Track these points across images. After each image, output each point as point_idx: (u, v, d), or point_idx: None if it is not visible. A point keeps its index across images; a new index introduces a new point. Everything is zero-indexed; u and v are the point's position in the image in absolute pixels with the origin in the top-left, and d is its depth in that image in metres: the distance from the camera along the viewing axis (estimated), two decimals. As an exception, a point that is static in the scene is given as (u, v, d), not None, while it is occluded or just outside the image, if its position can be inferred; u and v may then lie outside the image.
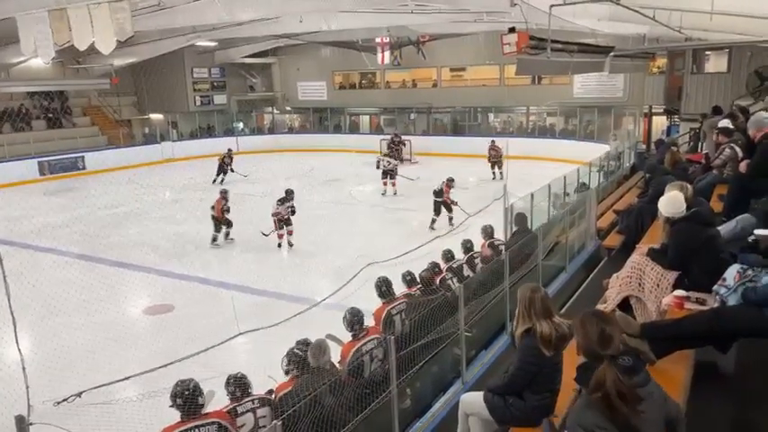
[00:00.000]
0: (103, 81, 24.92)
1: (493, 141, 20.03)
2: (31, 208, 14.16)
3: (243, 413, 4.26)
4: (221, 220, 12.81)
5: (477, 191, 17.14)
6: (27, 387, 4.29)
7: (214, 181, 19.84)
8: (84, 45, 7.48)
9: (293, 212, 12.70)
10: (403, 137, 25.03)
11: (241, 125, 30.88)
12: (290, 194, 12.68)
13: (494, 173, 19.47)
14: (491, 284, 6.40)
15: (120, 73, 25.39)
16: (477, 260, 7.86)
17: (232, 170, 20.43)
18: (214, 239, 12.80)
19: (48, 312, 8.04)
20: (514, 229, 8.72)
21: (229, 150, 21.36)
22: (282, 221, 12.56)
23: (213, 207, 12.91)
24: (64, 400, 5.94)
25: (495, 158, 19.39)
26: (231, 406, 4.30)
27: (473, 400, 3.81)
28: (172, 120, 28.17)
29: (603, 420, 2.11)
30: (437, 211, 13.58)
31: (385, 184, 17.60)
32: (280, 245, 12.50)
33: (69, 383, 6.05)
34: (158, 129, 27.20)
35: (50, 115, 25.49)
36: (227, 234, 12.98)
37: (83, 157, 23.54)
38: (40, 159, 22.43)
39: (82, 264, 11.60)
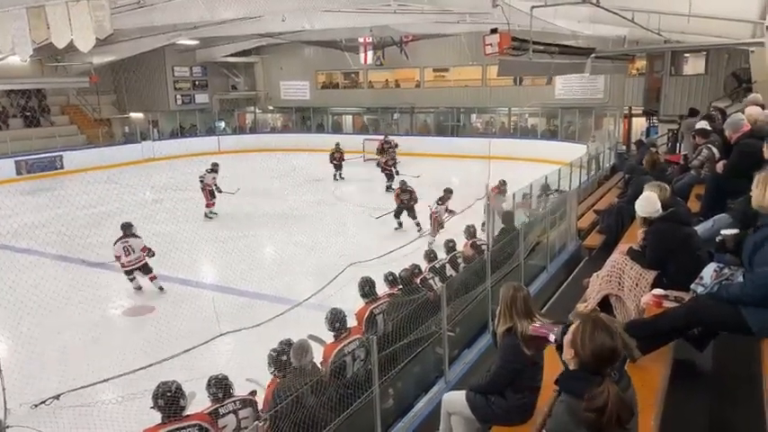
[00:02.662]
0: (82, 79, 24.59)
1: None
2: (8, 208, 13.90)
3: (225, 414, 4.24)
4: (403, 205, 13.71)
5: (459, 191, 17.22)
6: (3, 389, 4.22)
7: (335, 178, 20.57)
8: (63, 43, 7.36)
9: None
10: (391, 136, 24.96)
11: (223, 124, 30.67)
12: (128, 229, 10.52)
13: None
14: (473, 284, 6.43)
15: (99, 71, 25.07)
16: (460, 260, 7.90)
17: (344, 159, 20.57)
18: (417, 225, 13.56)
19: (25, 314, 7.92)
20: (501, 226, 8.77)
21: (337, 145, 20.98)
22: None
23: (397, 195, 13.87)
24: (42, 403, 5.85)
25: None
26: (213, 407, 4.27)
27: (455, 399, 3.83)
28: (152, 119, 27.90)
29: (581, 428, 2.09)
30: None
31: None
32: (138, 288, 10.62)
33: (47, 386, 5.97)
34: (138, 128, 26.90)
35: (28, 114, 25.08)
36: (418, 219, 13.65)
37: (61, 156, 23.20)
38: (17, 159, 22.08)
39: (60, 265, 11.42)
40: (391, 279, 6.70)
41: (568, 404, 2.19)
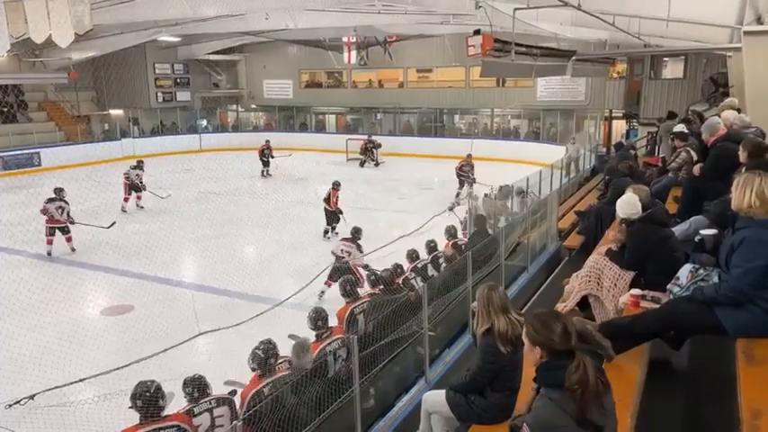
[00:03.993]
0: (61, 75, 24.20)
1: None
2: (-16, 205, 13.70)
3: (199, 413, 4.21)
4: (336, 212, 13.01)
5: (440, 191, 17.30)
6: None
7: (263, 173, 21.12)
8: (41, 38, 7.26)
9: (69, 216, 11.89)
10: (374, 136, 24.97)
11: (205, 122, 30.39)
12: (59, 192, 12.04)
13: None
14: (454, 284, 6.46)
15: (78, 67, 24.69)
16: (441, 260, 7.93)
17: (272, 156, 21.25)
18: (326, 233, 13.02)
19: (2, 313, 7.79)
20: (473, 229, 8.84)
21: (267, 141, 21.87)
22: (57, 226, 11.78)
23: (326, 199, 13.05)
24: (16, 403, 5.76)
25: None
26: (188, 407, 4.24)
27: (435, 399, 3.84)
28: (133, 116, 27.55)
29: (567, 419, 2.14)
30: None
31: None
32: (49, 253, 11.71)
33: (22, 386, 5.87)
34: (118, 125, 26.56)
35: (5, 109, 24.60)
36: (334, 228, 13.15)
37: (38, 153, 22.83)
38: (-7, 155, 21.69)
39: (37, 263, 11.26)
40: (373, 279, 6.70)
41: (549, 396, 2.24)
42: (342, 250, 9.20)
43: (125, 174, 15.97)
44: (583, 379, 2.13)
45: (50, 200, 11.84)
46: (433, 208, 13.62)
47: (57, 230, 11.80)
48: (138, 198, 16.00)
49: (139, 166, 16.36)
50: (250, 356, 4.70)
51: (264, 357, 4.65)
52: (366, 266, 8.74)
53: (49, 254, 11.74)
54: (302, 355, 4.72)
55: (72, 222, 11.89)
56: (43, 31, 7.15)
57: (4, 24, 7.22)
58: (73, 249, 11.98)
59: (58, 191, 12.10)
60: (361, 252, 9.11)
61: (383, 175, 21.51)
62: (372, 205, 15.65)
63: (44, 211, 11.70)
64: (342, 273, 8.44)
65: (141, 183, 15.98)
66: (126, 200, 15.76)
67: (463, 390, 3.65)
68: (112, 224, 12.31)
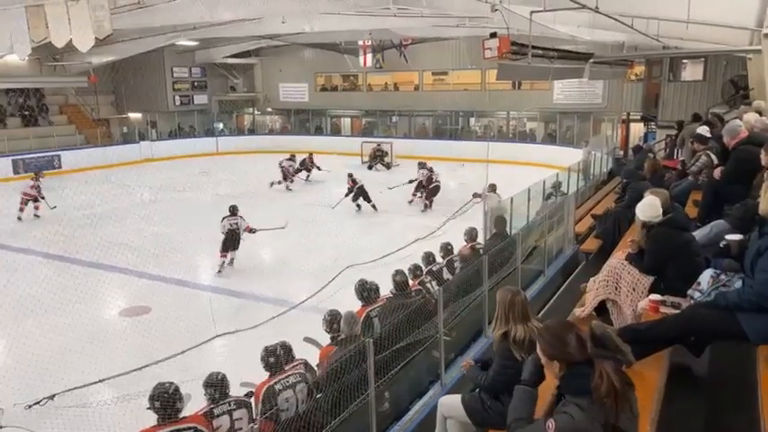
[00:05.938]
0: (81, 79, 24.58)
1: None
2: (5, 207, 13.93)
3: (219, 415, 4.22)
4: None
5: (456, 194, 17.23)
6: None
7: (306, 177, 21.43)
8: (62, 42, 7.34)
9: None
10: (386, 140, 25.00)
11: (221, 126, 30.63)
12: (38, 174, 16.03)
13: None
14: (470, 287, 6.42)
15: (98, 71, 25.04)
16: (457, 263, 7.88)
17: (318, 168, 21.35)
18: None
19: (21, 314, 7.90)
20: (493, 231, 8.76)
21: (311, 155, 21.66)
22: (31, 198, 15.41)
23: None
24: (36, 403, 5.85)
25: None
26: (208, 408, 4.25)
27: (451, 403, 3.83)
28: (151, 119, 27.86)
29: (597, 425, 2.14)
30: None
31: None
32: (19, 218, 15.02)
33: (42, 386, 5.95)
34: (137, 128, 26.87)
35: (26, 113, 25.04)
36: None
37: (59, 155, 23.16)
38: (14, 157, 22.04)
39: (57, 264, 11.40)
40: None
41: (577, 403, 2.23)
42: (231, 224, 11.17)
43: (281, 163, 19.50)
44: (610, 387, 2.13)
45: (35, 179, 15.51)
46: (449, 210, 13.61)
47: (29, 202, 15.14)
48: (291, 181, 19.41)
49: (292, 158, 19.92)
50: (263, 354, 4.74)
51: (276, 357, 4.66)
52: (252, 230, 11.47)
53: (20, 219, 14.91)
54: (353, 324, 4.99)
55: (42, 197, 15.21)
56: (64, 35, 7.24)
57: (25, 29, 7.33)
58: (37, 216, 15.23)
59: (37, 173, 16.06)
60: (244, 221, 11.40)
61: (397, 177, 21.47)
62: (386, 208, 15.63)
63: (32, 187, 15.21)
64: (235, 240, 11.14)
65: (291, 171, 19.47)
66: (291, 181, 19.41)
67: (485, 389, 3.64)
68: (54, 207, 14.92)
